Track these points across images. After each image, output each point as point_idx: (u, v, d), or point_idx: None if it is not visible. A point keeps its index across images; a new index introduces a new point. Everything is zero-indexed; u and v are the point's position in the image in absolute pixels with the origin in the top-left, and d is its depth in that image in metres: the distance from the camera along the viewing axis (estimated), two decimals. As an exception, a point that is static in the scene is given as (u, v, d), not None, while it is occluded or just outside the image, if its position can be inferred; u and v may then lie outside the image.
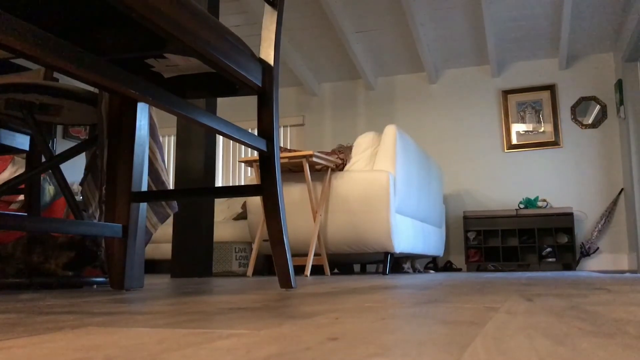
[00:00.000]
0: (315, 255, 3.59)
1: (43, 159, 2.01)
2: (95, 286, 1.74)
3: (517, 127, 6.04)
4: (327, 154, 3.68)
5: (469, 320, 0.59)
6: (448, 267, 5.84)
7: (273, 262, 1.46)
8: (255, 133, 1.74)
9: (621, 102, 5.44)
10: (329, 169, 3.61)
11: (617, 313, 0.66)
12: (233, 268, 4.02)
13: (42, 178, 2.48)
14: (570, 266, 5.42)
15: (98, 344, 0.44)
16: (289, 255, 1.42)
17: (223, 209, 5.77)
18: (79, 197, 3.58)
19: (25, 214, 2.03)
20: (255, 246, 3.52)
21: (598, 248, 5.60)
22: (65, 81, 5.90)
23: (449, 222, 6.07)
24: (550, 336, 0.46)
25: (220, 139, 7.10)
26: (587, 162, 5.78)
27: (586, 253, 5.50)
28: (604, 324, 0.55)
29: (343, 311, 0.73)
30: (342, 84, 6.79)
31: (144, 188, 1.51)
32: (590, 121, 5.85)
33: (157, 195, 1.50)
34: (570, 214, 5.37)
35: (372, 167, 3.72)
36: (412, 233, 4.04)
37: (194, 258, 3.28)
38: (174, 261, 3.30)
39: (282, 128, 6.92)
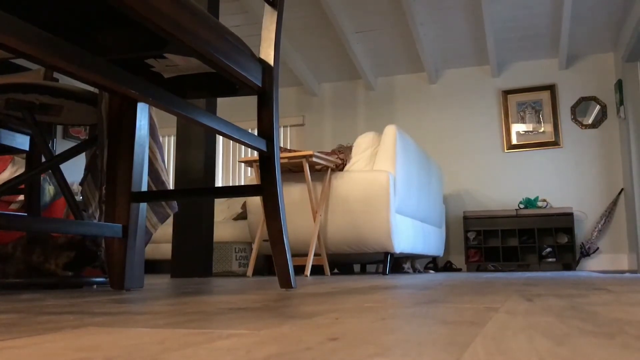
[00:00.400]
0: (315, 255, 3.59)
1: (43, 159, 2.01)
2: (95, 286, 1.74)
3: (517, 127, 6.04)
4: (327, 154, 3.68)
5: (469, 321, 0.59)
6: (448, 267, 5.84)
7: (273, 262, 1.46)
8: (255, 133, 1.74)
9: (621, 102, 5.44)
10: (329, 169, 3.61)
11: (617, 313, 0.66)
12: (233, 268, 4.02)
13: (42, 178, 2.48)
14: (570, 266, 5.42)
15: (98, 344, 0.44)
16: (289, 256, 1.42)
17: (223, 209, 5.77)
18: (79, 197, 3.58)
19: (25, 214, 2.03)
20: (255, 246, 3.52)
21: (598, 248, 5.60)
22: (66, 81, 5.90)
23: (449, 222, 6.07)
24: (550, 336, 0.46)
25: (220, 139, 7.10)
26: (587, 162, 5.78)
27: (586, 253, 5.50)
28: (604, 324, 0.55)
29: (343, 311, 0.73)
30: (342, 84, 6.79)
31: (144, 188, 1.51)
32: (590, 121, 5.85)
33: (157, 195, 1.50)
34: (570, 214, 5.37)
35: (372, 167, 3.72)
36: (412, 233, 4.04)
37: (194, 258, 3.28)
38: (174, 261, 3.30)
39: (282, 128, 6.92)
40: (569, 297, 0.96)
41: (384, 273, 3.66)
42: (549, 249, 5.42)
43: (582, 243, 5.54)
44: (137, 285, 1.46)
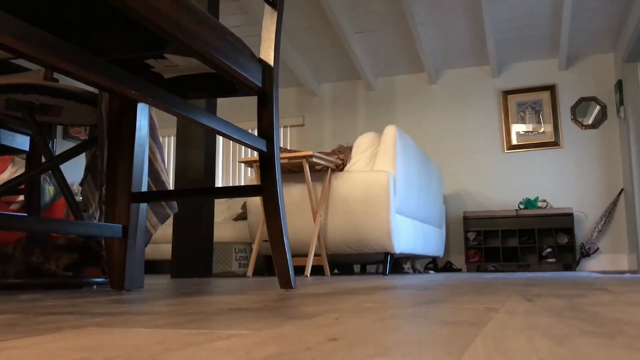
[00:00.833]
0: (315, 255, 3.59)
1: (43, 160, 2.01)
2: (95, 286, 1.74)
3: (517, 128, 6.04)
4: (327, 154, 3.68)
5: (469, 321, 0.59)
6: (448, 267, 5.83)
7: (273, 263, 1.46)
8: (255, 133, 1.74)
9: (621, 102, 5.44)
10: (329, 170, 3.61)
11: (617, 313, 0.66)
12: (233, 268, 4.02)
13: (42, 178, 2.48)
14: (570, 267, 5.42)
15: (98, 344, 0.44)
16: (289, 256, 1.42)
17: (223, 209, 5.77)
18: (79, 198, 3.57)
19: (25, 214, 2.03)
20: (255, 247, 3.52)
21: (598, 248, 5.60)
22: (66, 81, 5.90)
23: (449, 223, 6.07)
24: (550, 336, 0.46)
25: (220, 139, 7.10)
26: (587, 163, 5.78)
27: (586, 253, 5.50)
28: (604, 324, 0.55)
29: (343, 311, 0.73)
30: (342, 84, 6.79)
31: (144, 188, 1.51)
32: (590, 121, 5.85)
33: (157, 195, 1.50)
34: (570, 215, 5.37)
35: (372, 168, 3.72)
36: (412, 233, 4.04)
37: (194, 258, 3.28)
38: (174, 261, 3.30)
39: (282, 128, 6.92)
40: (569, 298, 0.96)
41: (384, 273, 3.66)
42: (549, 250, 5.42)
43: (582, 243, 5.54)
44: (137, 285, 1.46)
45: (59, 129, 6.28)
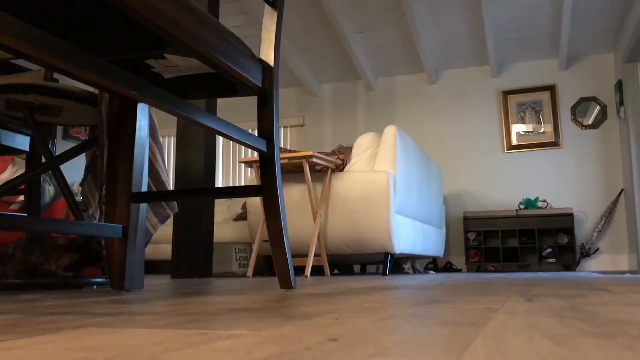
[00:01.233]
0: (315, 255, 3.59)
1: (43, 160, 2.01)
2: (95, 287, 1.74)
3: (517, 128, 6.04)
4: (327, 154, 3.68)
5: (469, 321, 0.59)
6: (448, 267, 5.83)
7: (273, 263, 1.46)
8: (256, 133, 1.74)
9: (621, 102, 5.44)
10: (329, 170, 3.61)
11: (617, 313, 0.66)
12: (233, 269, 4.02)
13: (42, 179, 2.48)
14: (570, 267, 5.42)
15: (98, 344, 0.44)
16: (289, 256, 1.42)
17: (223, 209, 5.77)
18: (79, 198, 3.58)
19: (25, 214, 2.03)
20: (255, 247, 3.52)
21: (598, 249, 5.60)
22: (66, 82, 5.90)
23: (449, 223, 6.07)
24: (550, 336, 0.46)
25: (220, 140, 7.10)
26: (587, 163, 5.78)
27: (586, 254, 5.50)
28: (604, 324, 0.55)
29: (343, 312, 0.73)
30: (342, 84, 6.79)
31: (144, 188, 1.51)
32: (590, 122, 5.85)
33: (157, 195, 1.50)
34: (570, 215, 5.37)
35: (372, 168, 3.72)
36: (412, 233, 4.04)
37: (194, 259, 3.28)
38: (174, 262, 3.30)
39: (282, 128, 6.92)
40: (569, 298, 0.96)
41: (384, 273, 3.66)
42: (549, 250, 5.42)
43: (582, 243, 5.54)
44: (137, 285, 1.46)
45: (59, 129, 6.28)
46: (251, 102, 7.09)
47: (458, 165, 6.17)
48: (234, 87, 1.47)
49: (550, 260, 5.40)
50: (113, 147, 1.48)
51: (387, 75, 6.59)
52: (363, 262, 4.96)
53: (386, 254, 3.65)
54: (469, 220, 5.64)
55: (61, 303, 0.98)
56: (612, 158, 5.72)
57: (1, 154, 2.10)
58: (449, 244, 6.03)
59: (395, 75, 6.59)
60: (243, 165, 7.08)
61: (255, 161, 3.46)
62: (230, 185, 5.07)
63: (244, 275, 3.97)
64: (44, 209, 2.68)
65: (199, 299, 1.03)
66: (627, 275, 2.97)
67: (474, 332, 0.49)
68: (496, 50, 5.90)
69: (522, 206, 5.67)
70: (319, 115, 6.81)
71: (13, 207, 2.70)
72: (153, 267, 5.70)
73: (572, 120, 5.90)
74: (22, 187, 2.12)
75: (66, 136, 6.36)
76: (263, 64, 1.44)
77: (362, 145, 3.82)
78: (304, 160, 3.38)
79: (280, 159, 2.92)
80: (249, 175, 6.77)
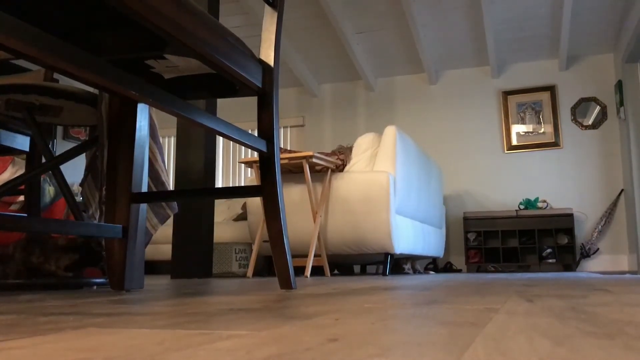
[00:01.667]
0: (315, 256, 3.59)
1: (43, 160, 2.01)
2: (95, 287, 1.74)
3: (517, 128, 6.04)
4: (327, 154, 3.68)
5: (469, 321, 0.59)
6: (448, 268, 5.83)
7: (273, 263, 1.46)
8: (256, 134, 1.74)
9: (621, 103, 5.44)
10: (329, 170, 3.61)
11: (617, 314, 0.66)
12: (233, 269, 4.02)
13: (42, 179, 2.48)
14: (570, 267, 5.42)
15: (98, 344, 0.44)
16: (289, 256, 1.42)
17: (223, 209, 5.77)
18: (79, 198, 3.58)
19: (25, 214, 2.03)
20: (255, 247, 3.52)
21: (598, 249, 5.60)
22: (66, 82, 5.90)
23: (449, 223, 6.07)
24: (550, 337, 0.46)
25: (220, 140, 7.10)
26: (587, 163, 5.78)
27: (586, 254, 5.50)
28: (604, 324, 0.55)
29: (343, 312, 0.73)
30: (342, 84, 6.79)
31: (144, 189, 1.51)
32: (590, 122, 5.85)
33: (157, 196, 1.50)
34: (571, 215, 5.37)
35: (372, 168, 3.72)
36: (412, 234, 4.04)
37: (194, 259, 3.28)
38: (174, 262, 3.30)
39: (282, 129, 6.92)
40: (569, 298, 0.96)
41: (384, 274, 3.66)
42: (549, 250, 5.42)
43: (582, 244, 5.54)
44: (137, 286, 1.46)
45: (59, 129, 6.28)
46: (251, 102, 7.09)
47: (458, 166, 6.17)
48: (234, 87, 1.47)
49: (550, 260, 5.40)
50: (113, 147, 1.48)
51: (387, 75, 6.59)
52: (363, 263, 4.96)
53: (386, 254, 3.65)
54: (469, 221, 5.64)
55: (61, 303, 0.98)
56: (612, 158, 5.72)
57: (1, 154, 2.10)
58: (449, 244, 6.03)
59: (395, 76, 6.59)
60: (243, 165, 7.08)
61: (255, 161, 3.46)
62: (230, 186, 5.06)
63: (244, 275, 3.96)
64: (44, 210, 2.68)
65: (199, 300, 1.03)
66: (627, 275, 2.97)
67: (474, 333, 0.49)
68: (496, 50, 5.90)
69: (522, 206, 5.67)
70: (319, 115, 6.81)
71: (13, 207, 2.71)
72: (153, 267, 5.70)
73: (572, 120, 5.90)
74: (22, 187, 2.12)
75: (66, 136, 6.36)
76: (263, 64, 1.44)
77: (362, 145, 3.82)
78: (304, 161, 3.38)
79: (280, 159, 2.92)
80: (249, 175, 6.77)
